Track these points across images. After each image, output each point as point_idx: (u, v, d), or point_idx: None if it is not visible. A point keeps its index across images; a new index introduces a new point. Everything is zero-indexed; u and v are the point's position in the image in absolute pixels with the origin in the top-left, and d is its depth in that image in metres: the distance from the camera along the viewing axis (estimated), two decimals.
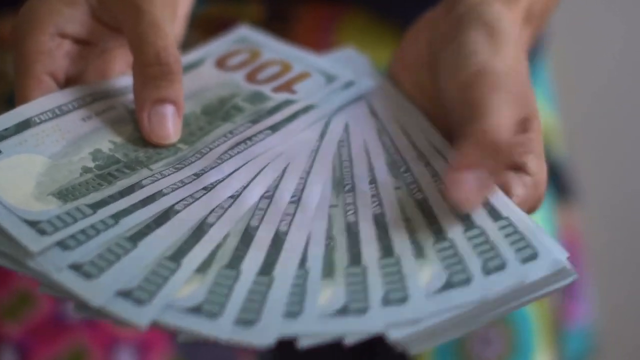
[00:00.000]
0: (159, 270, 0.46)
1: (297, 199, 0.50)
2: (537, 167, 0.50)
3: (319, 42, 0.58)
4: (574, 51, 1.24)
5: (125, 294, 0.45)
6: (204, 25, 0.60)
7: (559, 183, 0.81)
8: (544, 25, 0.60)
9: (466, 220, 0.48)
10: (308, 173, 0.52)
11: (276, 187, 0.51)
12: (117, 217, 0.48)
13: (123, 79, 0.56)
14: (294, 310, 0.45)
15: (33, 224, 0.47)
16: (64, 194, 0.49)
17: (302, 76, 0.57)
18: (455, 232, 0.48)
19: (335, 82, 0.57)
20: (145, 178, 0.51)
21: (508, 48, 0.52)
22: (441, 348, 0.73)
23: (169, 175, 0.51)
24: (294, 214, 0.49)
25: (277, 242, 0.48)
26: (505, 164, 0.49)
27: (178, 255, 0.47)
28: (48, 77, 0.53)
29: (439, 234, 0.48)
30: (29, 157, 0.51)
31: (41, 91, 0.53)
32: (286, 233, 0.48)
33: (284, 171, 0.52)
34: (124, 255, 0.47)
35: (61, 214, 0.48)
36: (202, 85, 0.57)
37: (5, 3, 0.69)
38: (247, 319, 0.44)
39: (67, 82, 0.55)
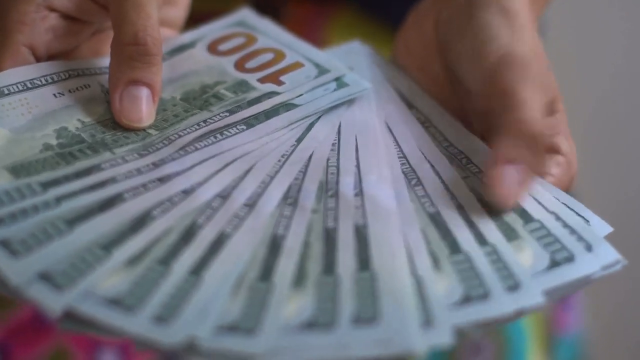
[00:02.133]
0: (87, 257, 0.44)
1: (252, 202, 0.48)
2: (568, 146, 0.50)
3: (307, 39, 0.57)
4: (571, 50, 1.24)
5: (46, 277, 0.43)
6: (190, 21, 0.59)
7: None
8: (544, 10, 0.59)
9: (525, 215, 0.48)
10: (272, 178, 0.50)
11: (234, 187, 0.49)
12: (61, 198, 0.47)
13: (104, 59, 0.54)
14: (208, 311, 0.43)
15: None
16: (18, 169, 0.48)
17: (293, 66, 0.55)
18: (496, 238, 0.47)
19: (325, 75, 0.55)
20: (106, 162, 0.49)
21: (526, 30, 0.51)
22: (430, 356, 0.72)
23: (130, 161, 0.49)
24: (243, 217, 0.48)
25: (217, 243, 0.46)
26: (542, 151, 0.49)
27: (111, 244, 0.45)
28: (26, 49, 0.52)
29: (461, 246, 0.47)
30: None
31: (16, 62, 0.52)
32: (230, 236, 0.46)
33: (246, 172, 0.50)
34: (57, 237, 0.45)
35: (10, 189, 0.47)
36: (188, 69, 0.55)
37: None
38: (163, 317, 0.43)
39: (50, 58, 0.54)
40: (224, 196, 0.48)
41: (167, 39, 0.56)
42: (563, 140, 0.50)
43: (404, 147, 0.53)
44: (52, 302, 0.43)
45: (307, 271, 0.45)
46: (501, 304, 0.43)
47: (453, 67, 0.53)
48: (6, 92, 0.51)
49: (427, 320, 0.43)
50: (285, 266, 0.45)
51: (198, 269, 0.45)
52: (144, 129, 0.51)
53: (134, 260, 0.45)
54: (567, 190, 0.51)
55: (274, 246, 0.46)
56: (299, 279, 0.45)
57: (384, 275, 0.44)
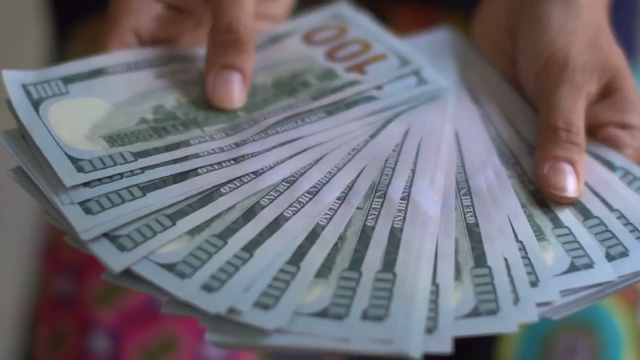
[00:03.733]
0: (152, 225, 0.48)
1: (315, 191, 0.51)
2: (635, 119, 0.53)
3: None
4: None
5: (111, 238, 0.47)
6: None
7: None
8: None
9: (583, 211, 0.50)
10: (339, 169, 0.52)
11: (301, 174, 0.52)
12: (146, 168, 0.50)
13: (202, 48, 0.58)
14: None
15: (74, 160, 0.50)
16: (114, 139, 0.51)
17: (378, 57, 0.58)
18: (572, 222, 0.49)
19: (405, 67, 0.57)
20: (195, 138, 0.52)
21: (583, 18, 0.54)
22: (525, 357, 0.73)
23: (217, 139, 0.52)
24: (304, 204, 0.50)
25: (274, 225, 0.49)
26: (582, 145, 0.52)
27: (177, 215, 0.49)
28: (131, 33, 0.56)
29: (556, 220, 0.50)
30: (93, 101, 0.53)
31: (120, 45, 0.56)
32: (287, 219, 0.49)
33: (316, 161, 0.52)
34: (129, 201, 0.48)
35: (103, 156, 0.50)
36: (282, 58, 0.58)
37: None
38: (210, 286, 0.45)
39: (154, 44, 0.57)
40: (290, 181, 0.51)
41: (264, 30, 0.59)
42: (631, 115, 0.53)
43: (499, 127, 0.55)
44: (113, 262, 0.46)
45: (334, 263, 0.47)
46: (504, 319, 0.45)
47: (516, 54, 0.56)
48: (111, 71, 0.55)
49: (432, 328, 0.44)
50: (316, 255, 0.48)
51: (251, 247, 0.47)
52: (233, 111, 0.54)
53: (194, 231, 0.48)
54: None
55: (313, 235, 0.49)
56: (325, 269, 0.47)
57: (404, 278, 0.46)
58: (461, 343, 0.74)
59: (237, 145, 0.52)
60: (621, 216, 0.50)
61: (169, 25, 0.57)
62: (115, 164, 0.50)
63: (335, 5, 0.62)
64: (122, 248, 0.47)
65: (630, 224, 0.49)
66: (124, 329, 0.71)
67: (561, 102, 0.52)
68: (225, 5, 0.55)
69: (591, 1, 0.55)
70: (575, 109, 0.52)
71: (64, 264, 0.75)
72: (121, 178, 0.49)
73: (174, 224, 0.48)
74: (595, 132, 0.54)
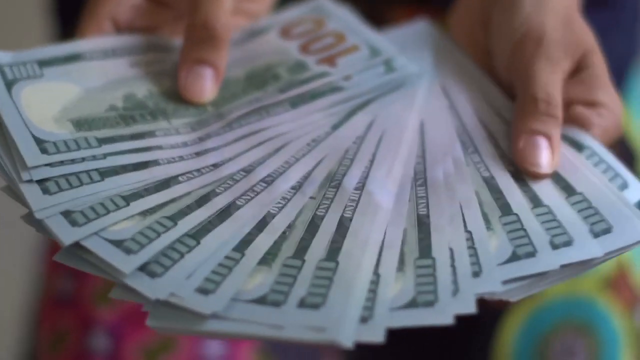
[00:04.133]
0: (107, 204, 0.48)
1: (270, 180, 0.51)
2: (607, 96, 0.53)
3: None
4: None
5: (66, 214, 0.47)
6: None
7: None
8: None
9: (534, 199, 0.50)
10: (297, 160, 0.52)
11: (260, 164, 0.52)
12: (109, 155, 0.51)
13: (179, 39, 0.58)
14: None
15: (40, 142, 0.50)
16: (81, 123, 0.52)
17: (350, 49, 0.58)
18: (522, 209, 0.49)
19: (375, 58, 0.57)
20: (161, 130, 0.53)
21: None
22: (522, 358, 0.73)
23: (182, 133, 0.53)
24: (258, 192, 0.50)
25: (225, 212, 0.49)
26: (560, 118, 0.52)
27: (132, 197, 0.49)
28: (109, 21, 0.57)
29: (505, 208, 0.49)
30: (66, 86, 0.54)
31: (97, 31, 0.56)
32: (239, 207, 0.50)
33: (276, 151, 0.53)
34: (87, 184, 0.49)
35: (68, 140, 0.51)
36: (257, 52, 0.59)
37: None
38: (152, 270, 0.46)
39: (131, 33, 0.58)
40: (247, 171, 0.52)
41: (243, 26, 0.60)
42: (600, 93, 0.53)
43: (463, 116, 0.55)
44: (64, 235, 0.47)
45: (280, 251, 0.47)
46: (441, 311, 0.45)
47: (489, 39, 0.57)
48: (88, 57, 0.55)
49: (367, 317, 0.44)
50: (262, 243, 0.48)
51: (199, 234, 0.48)
52: (203, 105, 0.55)
53: (146, 213, 0.49)
54: (614, 139, 0.53)
55: (263, 223, 0.49)
56: (270, 257, 0.47)
57: (346, 267, 0.46)
58: (458, 342, 0.74)
59: (200, 139, 0.53)
60: (583, 199, 0.49)
61: (147, 16, 0.58)
62: (79, 148, 0.51)
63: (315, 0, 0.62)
64: (74, 223, 0.47)
65: (592, 207, 0.49)
66: (123, 328, 0.72)
67: (540, 75, 0.52)
68: (204, 1, 0.55)
69: None
70: (554, 82, 0.52)
71: (65, 264, 0.75)
72: (83, 161, 0.50)
73: (127, 204, 0.49)
74: (565, 109, 0.54)
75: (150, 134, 0.53)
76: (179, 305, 0.45)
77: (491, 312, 0.73)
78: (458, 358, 0.74)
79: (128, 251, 0.46)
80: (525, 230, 0.48)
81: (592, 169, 0.52)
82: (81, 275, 0.74)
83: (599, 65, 0.54)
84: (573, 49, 0.53)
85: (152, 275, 0.46)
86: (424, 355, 0.75)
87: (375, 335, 0.44)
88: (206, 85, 0.55)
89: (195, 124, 0.54)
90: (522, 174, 0.51)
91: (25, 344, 0.82)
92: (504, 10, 0.55)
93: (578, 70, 0.54)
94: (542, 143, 0.51)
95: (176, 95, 0.55)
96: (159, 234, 0.47)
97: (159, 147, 0.52)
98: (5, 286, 1.30)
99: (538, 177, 0.51)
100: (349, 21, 0.60)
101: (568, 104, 0.54)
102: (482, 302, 0.73)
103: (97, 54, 0.56)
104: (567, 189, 0.50)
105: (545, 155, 0.51)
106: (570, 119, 0.53)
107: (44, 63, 0.55)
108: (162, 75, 0.57)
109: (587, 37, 0.54)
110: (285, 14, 0.61)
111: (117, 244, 0.47)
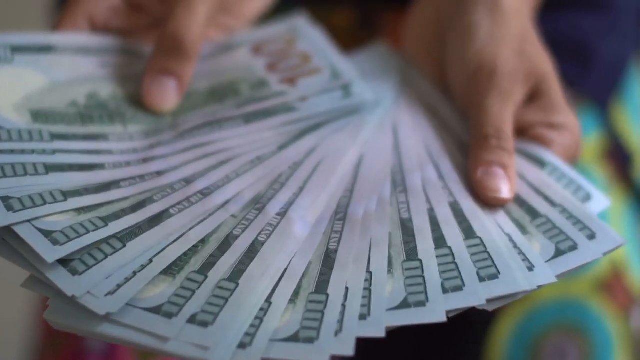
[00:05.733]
0: (45, 196, 0.49)
1: (208, 192, 0.51)
2: (565, 118, 0.54)
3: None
4: None
5: (3, 199, 0.48)
6: None
7: None
8: None
9: (439, 240, 0.50)
10: (237, 175, 0.53)
11: (201, 175, 0.52)
12: (58, 151, 0.51)
13: (151, 46, 0.58)
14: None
15: None
16: (39, 115, 0.53)
17: (313, 71, 0.58)
18: (427, 254, 0.49)
19: (336, 81, 0.58)
20: (115, 134, 0.54)
21: (509, 26, 0.55)
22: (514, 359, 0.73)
23: (135, 140, 0.54)
24: (193, 202, 0.51)
25: (156, 219, 0.49)
26: (512, 150, 0.53)
27: (71, 194, 0.49)
28: (85, 19, 0.57)
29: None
30: (34, 75, 0.55)
31: (73, 27, 0.57)
32: (170, 215, 0.50)
33: (220, 164, 0.53)
34: (31, 175, 0.50)
35: (23, 130, 0.52)
36: (225, 67, 0.59)
37: None
38: (74, 268, 0.46)
39: (106, 32, 0.59)
40: (188, 181, 0.52)
41: (217, 40, 0.60)
42: (558, 116, 0.54)
43: (405, 155, 0.55)
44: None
45: (187, 264, 0.48)
46: (432, 310, 0.46)
47: (444, 61, 0.57)
48: (60, 50, 0.56)
49: (246, 344, 0.44)
50: (170, 253, 0.48)
51: (126, 237, 0.48)
52: (162, 114, 0.56)
53: (81, 210, 0.49)
54: (575, 159, 0.54)
55: (180, 234, 0.49)
56: (176, 268, 0.47)
57: (243, 290, 0.46)
58: (450, 346, 0.75)
59: (150, 147, 0.54)
60: (480, 244, 0.50)
61: (123, 18, 0.59)
62: (31, 140, 0.51)
63: (294, 18, 0.62)
64: (9, 208, 0.48)
65: (486, 252, 0.49)
66: None
67: (490, 109, 0.53)
68: (178, 11, 0.56)
69: (517, 8, 0.56)
70: (503, 116, 0.53)
71: None
72: (32, 154, 0.51)
73: (65, 199, 0.49)
74: (524, 133, 0.55)
75: (104, 137, 0.53)
76: (78, 303, 0.45)
77: (483, 315, 0.73)
78: None
79: (55, 242, 0.47)
80: (423, 277, 0.48)
81: (556, 184, 0.52)
82: None
83: (555, 89, 0.55)
84: (527, 78, 0.54)
85: (74, 272, 0.46)
86: (415, 357, 0.75)
87: (376, 330, 0.45)
88: (168, 96, 0.56)
89: (150, 132, 0.54)
90: (435, 215, 0.51)
91: (27, 343, 0.82)
92: (459, 37, 0.56)
93: (535, 97, 0.55)
94: (499, 172, 0.52)
95: (138, 101, 0.56)
96: (88, 231, 0.48)
97: (109, 152, 0.53)
98: (5, 286, 1.31)
99: (500, 202, 0.52)
100: (318, 43, 0.60)
101: (528, 128, 0.55)
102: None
103: (69, 48, 0.56)
104: (468, 232, 0.50)
105: (504, 182, 0.52)
106: (532, 138, 0.55)
107: (16, 49, 0.55)
108: (129, 79, 0.57)
109: (541, 62, 0.55)
110: (261, 31, 0.61)
111: (46, 233, 0.47)
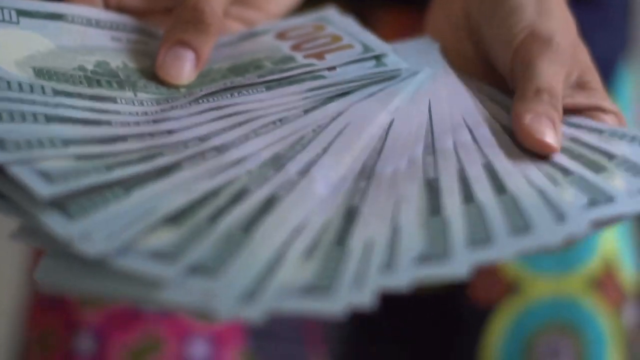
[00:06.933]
0: (44, 141, 0.46)
1: (223, 148, 0.48)
2: (613, 106, 0.52)
3: None
4: None
5: (2, 143, 0.45)
6: None
7: None
8: None
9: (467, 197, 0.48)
10: (256, 135, 0.50)
11: (216, 134, 0.49)
12: (60, 105, 0.49)
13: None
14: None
15: None
16: (43, 72, 0.50)
17: (343, 47, 0.56)
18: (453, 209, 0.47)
19: (368, 53, 0.55)
20: (123, 98, 0.51)
21: (554, 7, 0.53)
22: (508, 359, 0.73)
23: (145, 106, 0.51)
24: (207, 158, 0.48)
25: (166, 170, 0.46)
26: (561, 114, 0.51)
27: (73, 142, 0.46)
28: None
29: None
30: (40, 38, 0.52)
31: (86, 2, 0.54)
32: (182, 168, 0.47)
33: (237, 125, 0.50)
34: (31, 123, 0.47)
35: (24, 83, 0.49)
36: (248, 50, 0.57)
37: None
38: (69, 212, 0.43)
39: (119, 11, 0.56)
40: (202, 139, 0.49)
41: (240, 30, 0.58)
42: (606, 102, 0.52)
43: (438, 121, 0.53)
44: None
45: (194, 214, 0.44)
46: (455, 263, 0.43)
47: (484, 49, 0.55)
48: (70, 19, 0.53)
49: (254, 294, 0.41)
50: (175, 201, 0.45)
51: (130, 186, 0.45)
52: (177, 87, 0.53)
53: (83, 157, 0.46)
54: None
55: (190, 186, 0.46)
56: (182, 217, 0.44)
57: (257, 240, 0.43)
58: (445, 344, 0.75)
59: (162, 111, 0.51)
60: (511, 199, 0.47)
61: (140, 1, 0.57)
62: (33, 92, 0.49)
63: (323, 10, 0.60)
64: (3, 148, 0.44)
65: (518, 207, 0.47)
66: (108, 329, 0.72)
67: (545, 69, 0.51)
68: None
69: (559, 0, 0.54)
70: (557, 78, 0.51)
71: None
72: (33, 104, 0.48)
73: (66, 146, 0.46)
74: (577, 114, 0.53)
75: (112, 99, 0.50)
76: (71, 254, 0.42)
77: (477, 313, 0.73)
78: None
79: (50, 180, 0.43)
80: (449, 231, 0.45)
81: (615, 142, 0.51)
82: None
83: (598, 79, 0.53)
84: (576, 59, 0.52)
85: (69, 216, 0.43)
86: (410, 357, 0.75)
87: (256, 313, 0.41)
88: (185, 68, 0.53)
89: (161, 100, 0.52)
90: (465, 175, 0.49)
91: (15, 344, 0.82)
92: (503, 17, 0.53)
93: (580, 85, 0.53)
94: (548, 122, 0.49)
95: (151, 74, 0.53)
96: (88, 175, 0.44)
97: (117, 112, 0.50)
98: None
99: (545, 148, 0.49)
100: (350, 27, 0.58)
101: (580, 111, 0.53)
102: (467, 305, 0.74)
103: (80, 18, 0.54)
104: (499, 188, 0.48)
105: (553, 131, 0.49)
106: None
107: (22, 13, 0.53)
108: (143, 54, 0.55)
109: (584, 51, 0.53)
110: (287, 21, 0.59)
111: (42, 173, 0.44)
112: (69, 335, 0.73)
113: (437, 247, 0.44)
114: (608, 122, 0.52)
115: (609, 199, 0.47)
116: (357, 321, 0.76)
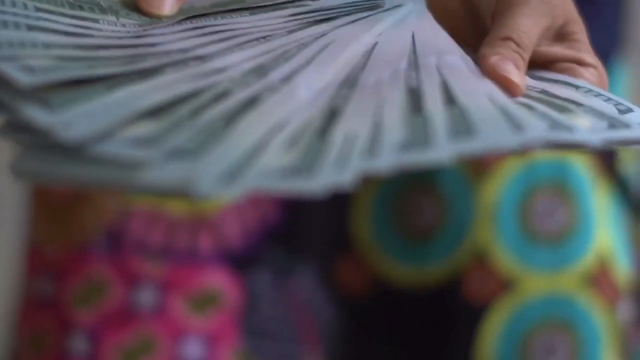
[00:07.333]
0: (27, 43, 0.46)
1: (204, 57, 0.49)
2: (593, 59, 0.52)
3: None
4: None
5: None
6: None
7: (635, 201, 0.80)
8: None
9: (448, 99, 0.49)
10: (240, 49, 0.50)
11: (199, 47, 0.50)
12: (42, 19, 0.49)
13: None
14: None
15: None
16: None
17: None
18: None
19: None
20: (105, 20, 0.51)
21: None
22: (504, 356, 0.73)
23: (127, 27, 0.51)
24: (187, 64, 0.48)
25: (148, 73, 0.47)
26: (527, 62, 0.51)
27: (54, 45, 0.47)
28: None
29: None
30: None
31: None
32: (162, 73, 0.47)
33: (220, 40, 0.51)
34: (13, 30, 0.47)
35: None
36: None
37: None
38: (48, 102, 0.44)
39: None
40: (185, 50, 0.49)
41: None
42: (586, 55, 0.52)
43: (421, 44, 0.53)
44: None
45: (174, 108, 0.44)
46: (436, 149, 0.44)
47: (472, 5, 0.55)
48: None
49: (235, 174, 0.41)
50: (154, 96, 0.45)
51: (112, 84, 0.45)
52: (159, 18, 0.53)
53: (66, 59, 0.46)
54: None
55: (172, 86, 0.46)
56: (162, 111, 0.44)
57: (239, 129, 0.44)
58: (439, 343, 0.75)
59: (145, 30, 0.51)
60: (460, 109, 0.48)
61: None
62: (15, 7, 0.49)
63: None
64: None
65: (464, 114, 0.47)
66: (102, 329, 0.72)
67: (519, 21, 0.51)
68: None
69: None
70: (529, 30, 0.51)
71: (45, 265, 0.75)
72: (14, 16, 0.48)
73: (47, 47, 0.46)
74: (552, 66, 0.53)
75: (94, 20, 0.51)
76: (50, 142, 0.42)
77: (472, 311, 0.73)
78: (439, 358, 0.74)
79: (31, 71, 0.44)
80: (431, 126, 0.46)
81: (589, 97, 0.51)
82: (61, 277, 0.74)
83: (582, 32, 0.53)
84: (558, 12, 0.52)
85: (50, 107, 0.43)
86: (405, 355, 0.75)
87: (236, 192, 0.40)
88: None
89: (145, 23, 0.52)
90: (448, 86, 0.50)
91: (8, 345, 0.82)
92: None
93: (563, 37, 0.53)
94: (512, 64, 0.50)
95: (133, 5, 0.53)
96: (71, 69, 0.45)
97: (99, 30, 0.50)
98: None
99: (509, 84, 0.49)
100: None
101: (556, 61, 0.53)
102: (463, 303, 0.74)
103: None
104: (450, 99, 0.48)
105: (517, 72, 0.50)
106: (560, 71, 0.53)
107: None
108: None
109: (570, 5, 0.54)
110: None
111: (25, 67, 0.44)
112: (63, 336, 0.73)
113: (418, 137, 0.45)
114: (586, 76, 0.52)
115: (569, 128, 0.47)
116: (353, 320, 0.76)
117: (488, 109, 0.48)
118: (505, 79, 0.49)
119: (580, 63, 0.52)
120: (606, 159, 0.77)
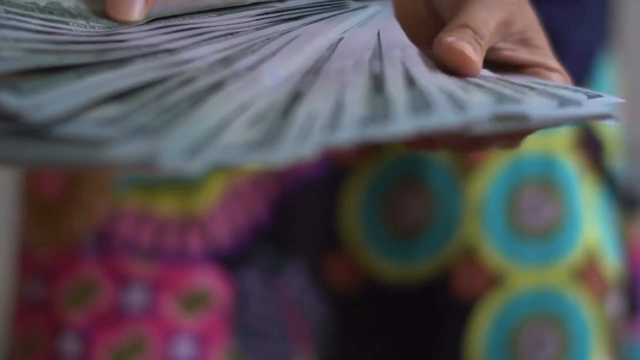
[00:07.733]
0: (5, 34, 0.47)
1: (173, 50, 0.50)
2: (557, 64, 0.53)
3: None
4: None
5: None
6: None
7: (622, 195, 0.81)
8: None
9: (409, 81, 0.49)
10: (207, 43, 0.51)
11: (167, 41, 0.50)
12: (13, 19, 0.49)
13: None
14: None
15: None
16: None
17: None
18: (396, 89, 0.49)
19: None
20: (75, 22, 0.52)
21: None
22: (493, 351, 0.73)
23: (97, 29, 0.52)
24: (157, 58, 0.49)
25: (117, 63, 0.47)
26: (485, 49, 0.51)
27: (20, 41, 0.48)
28: None
29: None
30: None
31: None
32: (133, 63, 0.48)
33: (188, 36, 0.51)
34: None
35: None
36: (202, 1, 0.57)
37: None
38: (21, 89, 0.44)
39: None
40: (153, 45, 0.50)
41: None
42: (551, 61, 0.53)
43: (385, 40, 0.54)
44: None
45: (142, 93, 0.45)
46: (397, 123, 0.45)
47: (435, 8, 0.56)
48: None
49: (198, 150, 0.42)
50: (121, 82, 0.46)
51: (81, 72, 0.46)
52: (128, 24, 0.53)
53: (34, 51, 0.47)
54: None
55: (140, 75, 0.47)
56: (129, 96, 0.45)
57: (203, 109, 0.45)
58: (429, 339, 0.75)
59: (114, 30, 0.52)
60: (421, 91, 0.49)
61: None
62: None
63: None
64: None
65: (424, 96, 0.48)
66: (93, 330, 0.72)
67: (475, 12, 0.52)
68: None
69: None
70: (487, 23, 0.52)
71: (36, 267, 0.75)
72: None
73: (17, 41, 0.47)
74: (519, 71, 0.54)
75: (62, 22, 0.51)
76: (18, 125, 0.42)
77: (461, 306, 0.74)
78: (429, 354, 0.75)
79: (2, 60, 0.45)
80: (391, 104, 0.47)
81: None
82: (52, 279, 0.74)
83: (543, 38, 0.54)
84: (510, 7, 0.53)
85: (19, 91, 0.43)
86: (395, 352, 0.76)
87: (199, 166, 0.41)
88: (135, 4, 0.53)
89: (113, 27, 0.53)
90: (410, 74, 0.50)
91: (1, 347, 0.82)
92: None
93: (524, 41, 0.54)
94: (469, 45, 0.50)
95: (102, 13, 0.54)
96: (41, 59, 0.45)
97: (69, 30, 0.51)
98: None
99: (466, 61, 0.50)
100: None
101: (525, 67, 0.54)
102: (451, 298, 0.74)
103: None
104: (411, 82, 0.49)
105: (473, 50, 0.50)
106: (529, 75, 0.53)
107: None
108: (97, 1, 0.55)
109: (531, 12, 0.54)
110: None
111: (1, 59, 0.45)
112: (54, 338, 0.73)
113: (379, 113, 0.46)
114: (555, 79, 0.53)
115: (516, 100, 0.48)
116: (343, 317, 0.76)
117: (438, 94, 0.48)
118: (461, 54, 0.50)
119: (547, 68, 0.53)
120: (593, 154, 0.77)
